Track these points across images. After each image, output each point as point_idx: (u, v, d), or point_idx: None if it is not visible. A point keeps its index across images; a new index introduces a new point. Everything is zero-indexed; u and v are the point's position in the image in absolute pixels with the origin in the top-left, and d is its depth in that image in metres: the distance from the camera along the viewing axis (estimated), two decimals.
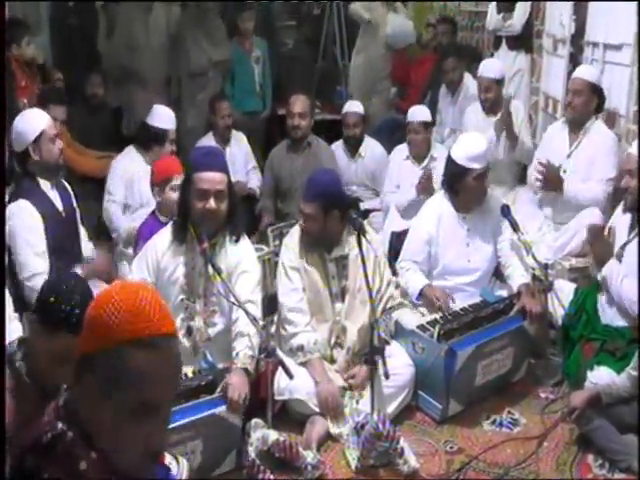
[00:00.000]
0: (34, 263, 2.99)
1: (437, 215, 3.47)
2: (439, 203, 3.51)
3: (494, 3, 5.30)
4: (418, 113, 4.45)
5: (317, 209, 3.04)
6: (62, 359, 1.88)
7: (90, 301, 1.76)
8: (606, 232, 3.23)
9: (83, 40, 5.81)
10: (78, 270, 3.09)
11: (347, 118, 4.82)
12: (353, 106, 4.90)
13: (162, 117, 4.11)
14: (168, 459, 1.31)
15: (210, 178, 2.81)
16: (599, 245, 3.17)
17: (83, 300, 1.90)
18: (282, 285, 3.14)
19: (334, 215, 3.06)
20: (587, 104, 3.82)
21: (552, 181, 3.83)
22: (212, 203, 2.81)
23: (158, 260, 2.92)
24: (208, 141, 4.82)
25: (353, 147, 4.86)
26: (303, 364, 3.01)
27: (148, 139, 4.07)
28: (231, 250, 2.93)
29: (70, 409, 1.21)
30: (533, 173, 4.05)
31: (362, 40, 6.23)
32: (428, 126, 4.45)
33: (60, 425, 1.19)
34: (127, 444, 1.14)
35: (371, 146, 4.89)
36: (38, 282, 2.86)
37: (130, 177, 4.04)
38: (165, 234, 2.98)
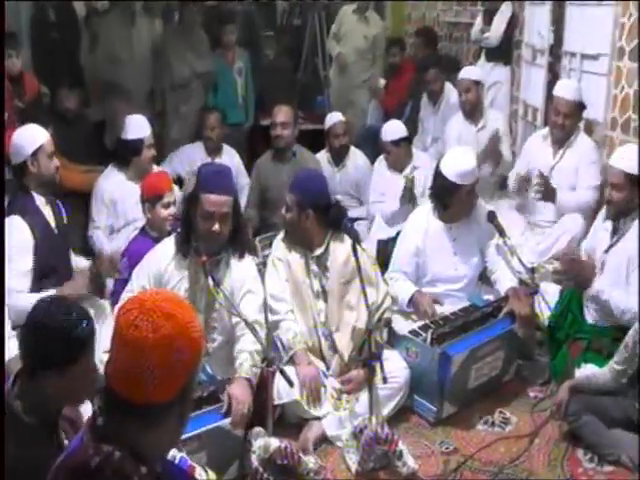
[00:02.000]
0: (14, 282, 2.92)
1: (424, 227, 3.53)
2: (425, 215, 3.57)
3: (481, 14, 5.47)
4: (388, 132, 4.53)
5: (293, 202, 3.15)
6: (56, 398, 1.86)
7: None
8: (584, 247, 3.34)
9: (65, 54, 5.82)
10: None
11: (334, 129, 4.90)
12: (336, 116, 5.00)
13: (134, 127, 4.08)
14: (199, 470, 1.36)
15: (216, 201, 2.83)
16: (578, 271, 3.20)
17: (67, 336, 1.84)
18: (268, 274, 3.21)
19: (308, 213, 3.14)
20: (576, 122, 3.97)
21: (549, 193, 3.94)
22: (216, 226, 2.84)
23: (160, 272, 2.94)
24: (199, 148, 4.92)
25: (338, 157, 4.95)
26: (290, 361, 3.05)
27: (126, 154, 4.06)
28: (236, 267, 2.97)
29: (113, 429, 1.25)
30: (512, 182, 4.21)
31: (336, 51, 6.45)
32: (400, 142, 4.52)
33: (106, 447, 1.22)
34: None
35: (354, 156, 4.98)
36: (14, 300, 2.81)
37: (111, 198, 4.02)
38: (168, 246, 3.00)
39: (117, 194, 4.00)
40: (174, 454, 1.37)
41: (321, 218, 3.18)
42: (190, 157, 4.94)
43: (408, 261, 3.55)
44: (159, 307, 1.24)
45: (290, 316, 3.14)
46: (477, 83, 4.67)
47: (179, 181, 4.88)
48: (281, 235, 3.32)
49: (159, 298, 1.27)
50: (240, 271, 2.98)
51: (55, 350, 1.82)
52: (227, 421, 2.68)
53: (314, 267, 3.20)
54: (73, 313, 1.87)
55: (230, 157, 5.03)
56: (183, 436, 2.40)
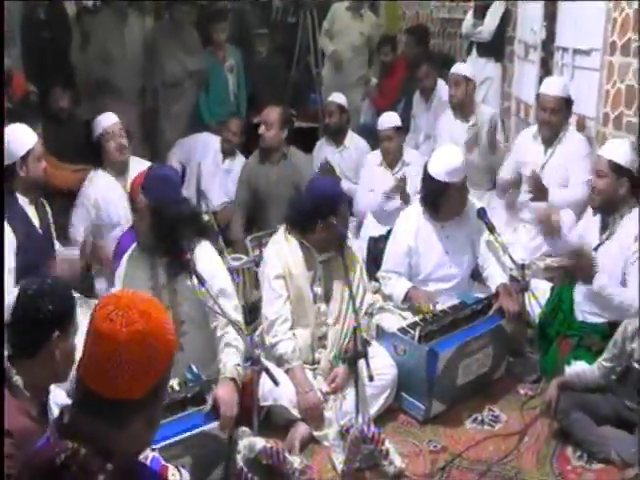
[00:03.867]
0: None
1: (415, 227, 3.51)
2: (416, 215, 3.55)
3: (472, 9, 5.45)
4: (387, 120, 4.52)
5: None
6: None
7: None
8: (575, 236, 3.33)
9: (56, 52, 5.79)
10: None
11: (327, 107, 5.16)
12: (334, 97, 5.18)
13: (97, 124, 3.99)
14: (171, 470, 1.35)
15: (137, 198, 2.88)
16: (583, 266, 3.14)
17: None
18: (265, 294, 3.16)
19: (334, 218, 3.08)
20: (563, 118, 3.90)
21: (541, 192, 3.86)
22: (134, 221, 2.95)
23: (128, 269, 2.95)
24: (215, 142, 5.01)
25: (335, 137, 5.08)
26: (285, 372, 3.03)
27: (97, 150, 3.95)
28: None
29: (80, 426, 1.25)
30: (503, 178, 4.23)
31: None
32: (399, 130, 4.51)
33: (70, 444, 1.23)
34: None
35: (355, 139, 5.10)
36: None
37: (96, 203, 3.90)
38: (134, 246, 3.01)
39: (101, 195, 3.89)
40: (146, 454, 1.35)
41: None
42: (205, 145, 5.03)
43: (400, 261, 3.53)
44: (135, 304, 1.27)
45: (290, 334, 3.10)
46: (467, 79, 4.61)
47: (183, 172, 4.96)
48: (274, 248, 3.19)
49: (136, 297, 1.32)
50: (205, 270, 2.87)
51: (32, 328, 1.94)
52: (213, 425, 2.63)
53: (320, 271, 3.16)
54: (49, 293, 1.98)
55: (241, 164, 5.01)
56: (167, 442, 2.44)
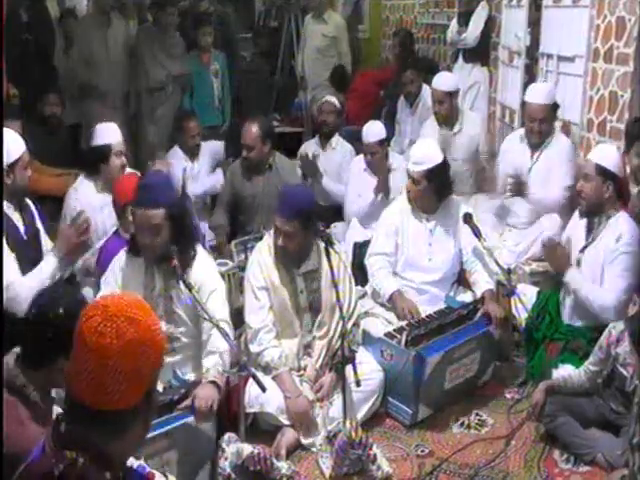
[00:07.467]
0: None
1: (402, 210, 3.59)
2: (404, 202, 3.62)
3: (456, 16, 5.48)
4: (372, 133, 4.44)
5: (297, 226, 3.03)
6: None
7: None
8: (563, 241, 3.35)
9: (39, 55, 5.75)
10: None
11: (323, 106, 5.08)
12: (329, 97, 5.19)
13: (103, 133, 3.87)
14: (158, 476, 1.34)
15: (142, 215, 2.79)
16: (555, 257, 3.27)
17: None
18: (249, 303, 3.14)
19: (311, 230, 3.08)
20: (550, 125, 3.94)
21: (520, 189, 3.96)
22: (146, 239, 2.81)
23: (122, 277, 2.92)
24: (174, 154, 4.85)
25: (325, 138, 5.03)
26: (272, 378, 3.01)
27: (94, 161, 3.85)
28: (190, 271, 2.88)
29: (78, 436, 1.24)
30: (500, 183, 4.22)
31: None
32: (383, 142, 4.48)
33: (68, 454, 1.21)
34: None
35: (341, 141, 5.08)
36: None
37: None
38: (124, 252, 2.97)
39: (88, 208, 3.68)
40: (131, 461, 1.34)
41: (317, 229, 3.13)
42: (175, 157, 4.89)
43: (388, 241, 3.57)
44: (123, 312, 1.24)
45: (275, 342, 3.09)
46: (451, 94, 4.56)
47: None
48: (258, 257, 3.17)
49: (122, 303, 1.27)
50: (199, 272, 2.89)
51: (56, 340, 1.85)
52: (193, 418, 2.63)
53: (301, 284, 3.13)
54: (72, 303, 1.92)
55: (205, 159, 4.99)
56: (153, 434, 2.41)
